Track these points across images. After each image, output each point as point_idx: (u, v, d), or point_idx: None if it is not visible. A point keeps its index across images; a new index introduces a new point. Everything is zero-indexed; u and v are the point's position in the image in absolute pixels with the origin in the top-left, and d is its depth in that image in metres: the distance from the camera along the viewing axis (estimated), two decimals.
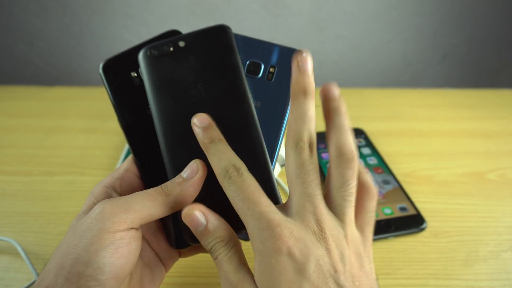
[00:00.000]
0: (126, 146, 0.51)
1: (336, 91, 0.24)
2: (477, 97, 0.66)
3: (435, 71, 0.84)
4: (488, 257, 0.37)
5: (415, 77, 0.84)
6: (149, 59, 0.27)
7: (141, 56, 0.27)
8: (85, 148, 0.53)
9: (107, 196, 0.25)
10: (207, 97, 0.26)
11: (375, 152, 0.50)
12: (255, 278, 0.21)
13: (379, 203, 0.42)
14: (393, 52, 0.80)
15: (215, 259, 0.22)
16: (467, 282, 0.34)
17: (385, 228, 0.39)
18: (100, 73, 0.30)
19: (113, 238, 0.21)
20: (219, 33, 0.27)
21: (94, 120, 0.59)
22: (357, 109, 0.61)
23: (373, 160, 0.49)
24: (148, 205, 0.22)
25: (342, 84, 0.24)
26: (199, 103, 0.26)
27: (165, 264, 0.27)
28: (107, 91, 0.30)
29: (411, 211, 0.41)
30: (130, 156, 0.28)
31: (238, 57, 0.27)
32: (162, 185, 0.23)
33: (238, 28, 0.83)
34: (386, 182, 0.45)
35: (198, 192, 0.23)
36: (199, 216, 0.22)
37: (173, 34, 0.29)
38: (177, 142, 0.26)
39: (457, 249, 0.37)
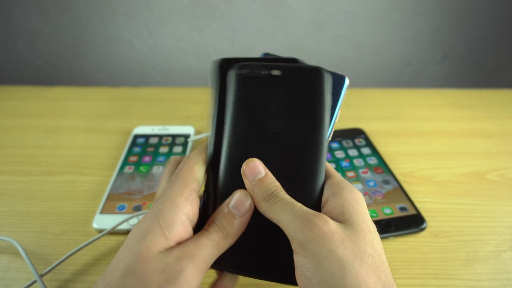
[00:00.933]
0: (126, 147, 0.51)
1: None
2: (477, 97, 0.66)
3: (435, 71, 0.84)
4: (488, 257, 0.37)
5: (415, 77, 0.84)
6: (240, 75, 0.28)
7: (234, 69, 0.28)
8: (85, 148, 0.53)
9: (185, 232, 0.23)
10: (284, 132, 0.26)
11: (375, 152, 0.50)
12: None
13: (379, 203, 0.42)
14: (393, 52, 0.80)
15: (278, 201, 0.23)
16: (467, 282, 0.34)
17: (385, 228, 0.39)
18: (214, 69, 0.29)
19: (190, 282, 0.21)
20: (316, 75, 0.27)
21: (94, 120, 0.59)
22: (357, 109, 0.61)
23: (373, 160, 0.49)
24: (214, 251, 0.22)
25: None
26: (274, 135, 0.26)
27: None
28: (215, 89, 0.29)
29: (411, 211, 0.41)
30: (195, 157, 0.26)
31: (327, 105, 0.27)
32: (217, 223, 0.23)
33: (238, 28, 0.83)
34: (386, 182, 0.45)
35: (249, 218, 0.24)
36: (259, 165, 0.24)
37: (292, 61, 0.29)
38: (239, 163, 0.25)
39: (457, 249, 0.37)
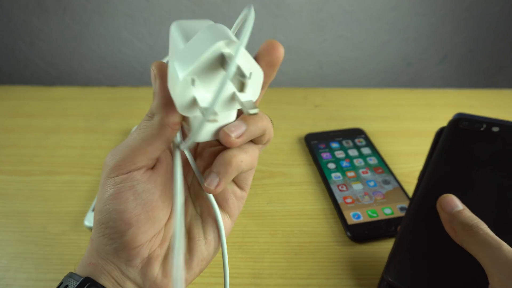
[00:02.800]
0: None
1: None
2: (477, 97, 0.66)
3: (435, 71, 0.84)
4: None
5: (415, 77, 0.84)
6: (456, 127, 0.31)
7: (451, 122, 0.31)
8: (85, 148, 0.53)
9: None
10: (491, 182, 0.28)
11: (375, 152, 0.50)
12: None
13: (380, 203, 0.42)
14: (393, 52, 0.80)
15: (478, 233, 0.24)
16: None
17: (385, 228, 0.39)
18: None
19: (113, 183, 0.21)
20: None
21: (94, 120, 0.59)
22: (357, 109, 0.61)
23: (373, 160, 0.49)
24: (142, 136, 0.21)
25: (342, 84, 0.24)
26: (480, 183, 0.28)
27: (227, 210, 0.25)
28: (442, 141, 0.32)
29: None
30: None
31: None
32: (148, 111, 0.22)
33: (238, 28, 0.82)
34: (386, 182, 0.45)
35: (166, 92, 0.20)
36: (456, 199, 0.27)
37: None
38: (432, 209, 0.28)
39: None
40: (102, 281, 0.22)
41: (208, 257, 0.25)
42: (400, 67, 0.83)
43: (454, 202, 0.26)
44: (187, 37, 0.20)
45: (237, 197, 0.25)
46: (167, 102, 0.20)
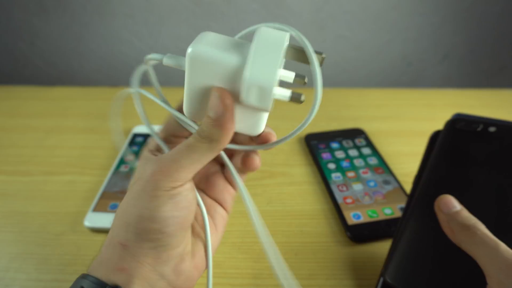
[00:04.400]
0: (124, 145, 0.51)
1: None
2: (477, 97, 0.66)
3: (435, 71, 0.84)
4: None
5: (415, 77, 0.84)
6: (453, 127, 0.31)
7: (448, 123, 0.31)
8: (85, 148, 0.53)
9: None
10: (488, 183, 0.28)
11: (375, 152, 0.50)
12: None
13: (380, 203, 0.42)
14: (393, 52, 0.80)
15: (478, 234, 0.24)
16: None
17: (385, 228, 0.39)
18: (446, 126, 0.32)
19: (169, 194, 0.22)
20: None
21: (94, 120, 0.59)
22: (357, 109, 0.61)
23: (373, 160, 0.49)
24: (196, 157, 0.22)
25: (342, 84, 0.25)
26: (477, 184, 0.28)
27: (225, 206, 0.29)
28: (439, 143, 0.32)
29: None
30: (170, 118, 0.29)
31: None
32: (198, 130, 0.23)
33: (238, 28, 0.83)
34: (386, 182, 0.45)
35: (234, 122, 0.22)
36: (454, 200, 0.26)
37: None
38: (431, 197, 0.27)
39: None
40: (133, 285, 0.22)
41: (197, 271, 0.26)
42: (400, 67, 0.83)
43: (452, 203, 0.26)
44: (225, 49, 0.21)
45: (222, 216, 0.29)
46: (231, 129, 0.22)
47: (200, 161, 0.23)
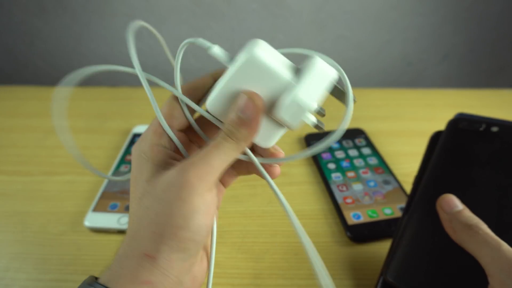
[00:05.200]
0: (124, 145, 0.51)
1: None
2: (477, 97, 0.66)
3: (435, 71, 0.84)
4: None
5: (415, 77, 0.84)
6: (455, 127, 0.31)
7: (450, 122, 0.31)
8: (85, 148, 0.53)
9: (165, 155, 0.24)
10: (490, 182, 0.28)
11: (375, 152, 0.50)
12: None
13: (380, 203, 0.42)
14: (393, 52, 0.80)
15: (480, 233, 0.24)
16: None
17: (385, 228, 0.39)
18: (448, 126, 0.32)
19: (203, 201, 0.22)
20: None
21: (94, 120, 0.59)
22: (357, 109, 0.61)
23: (373, 160, 0.49)
24: (224, 158, 0.22)
25: (342, 84, 0.25)
26: (480, 183, 0.28)
27: (225, 183, 0.28)
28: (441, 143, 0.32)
29: None
30: (168, 104, 0.26)
31: None
32: (225, 130, 0.23)
33: (238, 28, 0.83)
34: (386, 182, 0.45)
35: (260, 122, 0.23)
36: (456, 199, 0.26)
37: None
38: (433, 197, 0.27)
39: None
40: None
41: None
42: (400, 67, 0.83)
43: (454, 202, 0.26)
44: (279, 63, 0.23)
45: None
46: (257, 131, 0.23)
47: (227, 162, 0.23)
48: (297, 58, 0.25)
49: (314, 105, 0.22)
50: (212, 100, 0.23)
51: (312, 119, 0.23)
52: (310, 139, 0.53)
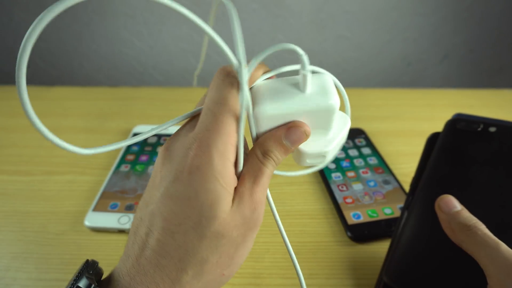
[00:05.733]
0: (124, 146, 0.51)
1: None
2: (477, 97, 0.66)
3: (435, 71, 0.84)
4: None
5: (415, 77, 0.84)
6: (453, 127, 0.31)
7: (448, 123, 0.31)
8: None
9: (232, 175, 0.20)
10: (488, 182, 0.28)
11: (375, 152, 0.50)
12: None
13: (380, 203, 0.42)
14: (393, 52, 0.80)
15: (479, 234, 0.24)
16: None
17: (385, 228, 0.39)
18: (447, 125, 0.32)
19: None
20: None
21: (94, 120, 0.59)
22: (357, 109, 0.61)
23: (373, 160, 0.49)
24: (268, 181, 0.22)
25: (342, 84, 0.25)
26: (477, 183, 0.28)
27: None
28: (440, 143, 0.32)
29: None
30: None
31: None
32: (274, 159, 0.21)
33: None
34: (386, 182, 0.45)
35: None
36: (455, 200, 0.26)
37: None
38: (431, 198, 0.28)
39: None
40: None
41: None
42: (400, 67, 0.83)
43: (452, 203, 0.26)
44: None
45: None
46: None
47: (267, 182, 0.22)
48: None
49: (328, 160, 0.24)
50: (272, 113, 0.21)
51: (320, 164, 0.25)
52: None
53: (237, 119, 0.20)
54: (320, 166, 0.25)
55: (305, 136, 0.22)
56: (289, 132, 0.21)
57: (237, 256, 0.21)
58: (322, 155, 0.23)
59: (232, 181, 0.20)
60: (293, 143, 0.22)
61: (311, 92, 0.21)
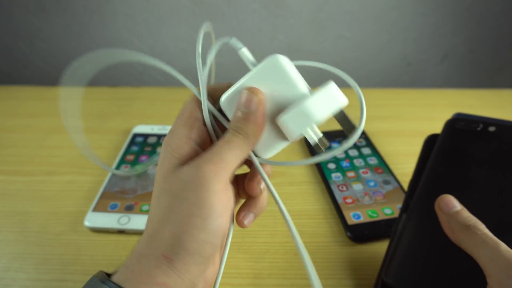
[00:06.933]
0: (125, 145, 0.51)
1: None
2: (477, 98, 0.66)
3: (435, 71, 0.84)
4: None
5: (415, 77, 0.84)
6: (452, 127, 0.31)
7: (447, 123, 0.31)
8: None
9: (192, 149, 0.23)
10: (488, 182, 0.28)
11: (375, 152, 0.50)
12: None
13: (380, 203, 0.42)
14: (393, 52, 0.80)
15: (478, 234, 0.24)
16: None
17: (385, 228, 0.39)
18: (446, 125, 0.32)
19: (220, 200, 0.22)
20: None
21: (94, 120, 0.59)
22: (357, 109, 0.61)
23: (373, 160, 0.49)
24: (236, 153, 0.23)
25: (342, 84, 0.25)
26: (477, 184, 0.28)
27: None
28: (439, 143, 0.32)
29: None
30: (192, 101, 0.26)
31: None
32: (232, 126, 0.23)
33: (238, 28, 0.83)
34: (386, 182, 0.45)
35: (266, 117, 0.24)
36: (454, 200, 0.26)
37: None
38: (431, 198, 0.27)
39: None
40: None
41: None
42: (400, 67, 0.83)
43: (452, 203, 0.26)
44: (298, 83, 0.23)
45: None
46: (263, 126, 0.24)
47: (239, 157, 0.23)
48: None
49: (320, 118, 0.22)
50: (226, 98, 0.24)
51: (313, 136, 0.23)
52: None
53: (199, 104, 0.25)
54: (309, 130, 0.23)
55: (251, 93, 0.23)
56: (239, 99, 0.23)
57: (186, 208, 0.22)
58: (302, 114, 0.22)
59: (182, 149, 0.23)
60: (245, 105, 0.23)
61: (257, 66, 0.23)
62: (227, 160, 0.22)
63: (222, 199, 0.22)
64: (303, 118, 0.22)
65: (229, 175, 0.22)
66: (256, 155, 0.25)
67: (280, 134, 0.24)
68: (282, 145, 0.25)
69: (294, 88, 0.23)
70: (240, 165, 0.24)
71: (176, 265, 0.21)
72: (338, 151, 0.22)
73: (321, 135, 0.24)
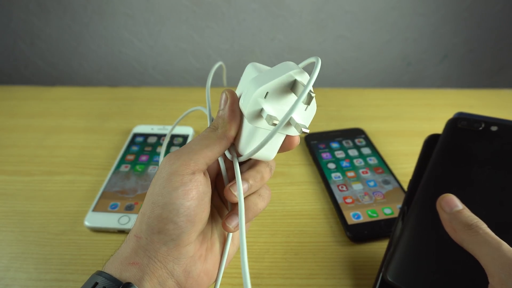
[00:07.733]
0: (125, 145, 0.51)
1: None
2: (477, 97, 0.66)
3: (435, 71, 0.84)
4: None
5: (415, 77, 0.84)
6: (454, 126, 0.31)
7: (449, 122, 0.31)
8: (85, 148, 0.53)
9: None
10: (489, 181, 0.28)
11: (375, 152, 0.50)
12: None
13: (380, 203, 0.42)
14: (393, 52, 0.80)
15: (480, 233, 0.24)
16: None
17: (385, 228, 0.39)
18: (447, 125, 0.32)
19: (181, 180, 0.23)
20: None
21: (94, 120, 0.59)
22: (357, 109, 0.61)
23: (373, 160, 0.49)
24: (205, 143, 0.25)
25: (342, 84, 0.25)
26: (479, 183, 0.28)
27: None
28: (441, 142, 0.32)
29: None
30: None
31: None
32: (212, 123, 0.26)
33: (238, 28, 0.83)
34: (386, 182, 0.45)
35: (238, 117, 0.25)
36: (456, 199, 0.26)
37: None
38: (433, 197, 0.27)
39: None
40: (144, 283, 0.23)
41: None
42: (400, 67, 0.83)
43: (454, 202, 0.26)
44: (260, 71, 0.24)
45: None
46: (231, 120, 0.25)
47: (209, 148, 0.25)
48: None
49: (263, 89, 0.22)
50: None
51: (268, 112, 0.22)
52: (310, 139, 0.53)
53: None
54: (259, 103, 0.23)
55: (224, 94, 0.26)
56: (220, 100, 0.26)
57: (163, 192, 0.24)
58: (249, 86, 0.23)
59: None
60: (219, 105, 0.26)
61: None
62: (194, 150, 0.24)
63: (186, 182, 0.23)
64: (250, 89, 0.23)
65: (198, 163, 0.24)
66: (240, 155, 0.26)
67: (260, 132, 0.24)
68: (278, 143, 0.26)
69: (251, 84, 0.23)
70: (214, 158, 0.25)
71: (142, 243, 0.23)
72: (290, 111, 0.21)
73: (272, 114, 0.23)
